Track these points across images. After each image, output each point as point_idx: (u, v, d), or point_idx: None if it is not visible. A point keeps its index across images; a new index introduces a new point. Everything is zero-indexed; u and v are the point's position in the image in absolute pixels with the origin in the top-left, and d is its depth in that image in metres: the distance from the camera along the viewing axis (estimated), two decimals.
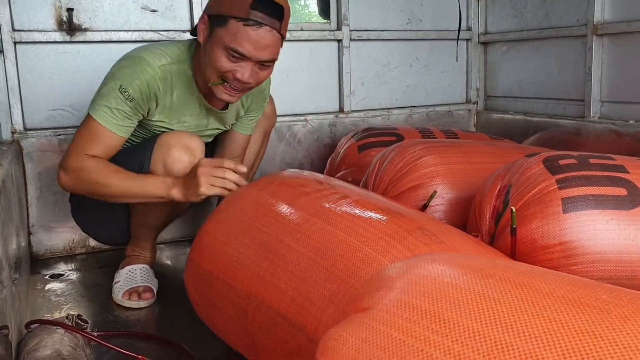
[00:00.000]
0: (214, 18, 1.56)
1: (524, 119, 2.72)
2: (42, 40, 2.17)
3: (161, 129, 1.72)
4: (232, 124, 1.92)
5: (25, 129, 2.17)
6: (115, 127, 1.59)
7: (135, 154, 1.66)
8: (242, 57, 1.55)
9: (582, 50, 2.42)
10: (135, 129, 1.68)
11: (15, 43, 2.13)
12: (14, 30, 2.13)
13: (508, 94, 2.90)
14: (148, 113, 1.66)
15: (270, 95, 2.04)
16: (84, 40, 2.22)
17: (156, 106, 1.66)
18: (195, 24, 1.75)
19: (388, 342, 0.60)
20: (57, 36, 2.19)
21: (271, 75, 1.82)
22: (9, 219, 1.46)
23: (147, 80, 1.60)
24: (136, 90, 1.58)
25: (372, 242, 1.11)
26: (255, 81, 1.62)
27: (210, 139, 1.92)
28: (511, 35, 2.81)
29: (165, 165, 1.63)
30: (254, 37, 1.52)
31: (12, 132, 2.14)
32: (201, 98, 1.74)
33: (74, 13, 2.20)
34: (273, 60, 1.62)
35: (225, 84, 1.61)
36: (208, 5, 1.62)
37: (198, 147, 1.65)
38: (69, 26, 2.19)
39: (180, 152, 1.63)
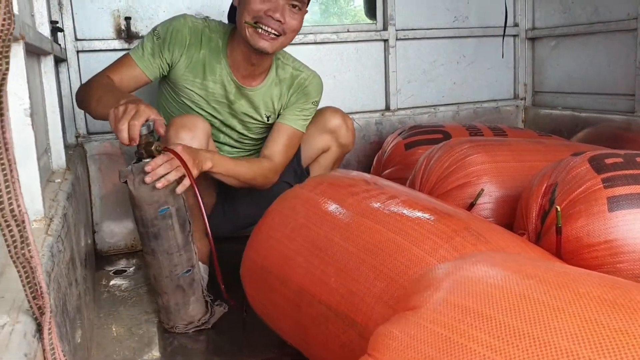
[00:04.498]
0: None
1: (572, 115, 2.70)
2: (102, 48, 2.30)
3: (189, 92, 1.83)
4: (269, 117, 1.96)
5: (88, 133, 2.31)
6: (138, 59, 1.76)
7: None
8: None
9: (632, 44, 2.39)
10: (168, 91, 1.85)
11: (77, 52, 2.26)
12: (76, 39, 2.26)
13: (556, 90, 2.88)
14: (173, 60, 1.79)
15: (353, 127, 2.09)
16: None
17: (181, 55, 1.79)
18: None
19: (435, 338, 0.65)
20: (116, 44, 2.31)
21: (321, 80, 1.89)
22: (79, 221, 1.57)
23: (176, 26, 1.78)
24: (164, 30, 1.78)
25: (419, 242, 1.16)
26: (288, 25, 1.72)
27: (247, 129, 1.97)
28: (559, 31, 2.79)
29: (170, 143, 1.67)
30: None
31: (77, 137, 2.27)
32: (229, 70, 1.84)
33: (132, 21, 2.32)
34: (302, 2, 1.72)
35: (259, 29, 1.70)
36: None
37: (200, 126, 1.69)
38: (127, 34, 2.31)
39: (181, 131, 1.66)
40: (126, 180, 1.43)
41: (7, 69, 0.63)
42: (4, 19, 0.62)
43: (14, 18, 0.64)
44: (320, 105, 2.05)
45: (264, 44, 1.73)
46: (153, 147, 1.42)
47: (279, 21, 1.70)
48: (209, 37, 1.82)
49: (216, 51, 1.83)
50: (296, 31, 1.78)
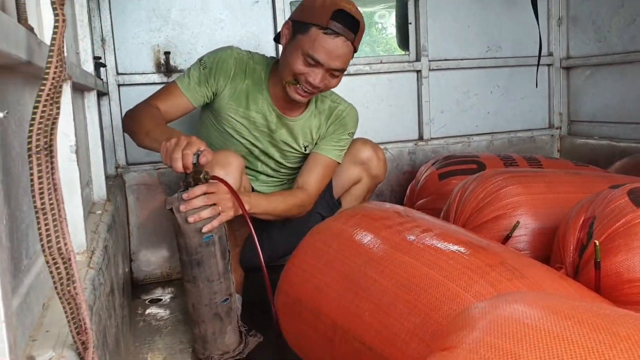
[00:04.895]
0: (297, 24, 1.74)
1: (609, 144, 2.66)
2: (142, 82, 2.37)
3: (232, 120, 1.88)
4: (306, 146, 1.99)
5: (128, 164, 2.37)
6: (184, 87, 1.82)
7: None
8: (317, 63, 1.71)
9: None
10: (210, 119, 1.91)
11: (119, 85, 2.34)
12: (118, 73, 2.34)
13: (592, 119, 2.84)
14: (218, 88, 1.85)
15: (384, 158, 2.11)
16: None
17: (226, 84, 1.85)
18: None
19: None
20: (156, 78, 2.38)
21: (357, 113, 1.93)
22: (118, 251, 1.61)
23: (222, 56, 1.85)
24: (211, 60, 1.84)
25: (454, 277, 1.15)
26: (325, 86, 1.79)
27: (285, 158, 1.99)
28: (595, 60, 2.77)
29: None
30: (330, 45, 1.69)
31: (116, 167, 2.34)
32: (270, 100, 1.89)
33: (171, 56, 2.39)
34: (343, 70, 1.78)
35: (298, 85, 1.77)
36: (293, 13, 1.80)
37: (234, 163, 1.70)
38: (167, 68, 2.38)
39: (215, 168, 1.66)
40: (172, 208, 1.46)
41: (58, 114, 0.67)
42: (56, 67, 0.65)
43: (65, 65, 0.68)
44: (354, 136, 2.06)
45: (299, 98, 1.81)
46: (201, 176, 1.46)
47: (317, 87, 1.76)
48: (252, 68, 1.88)
49: (259, 82, 1.88)
50: (335, 86, 1.83)
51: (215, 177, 1.50)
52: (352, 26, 1.70)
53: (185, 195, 1.44)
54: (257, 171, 2.02)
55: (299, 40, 1.71)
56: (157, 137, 1.56)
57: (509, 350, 0.67)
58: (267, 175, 2.04)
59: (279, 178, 2.06)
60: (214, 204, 1.46)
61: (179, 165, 1.41)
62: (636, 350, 0.60)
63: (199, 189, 1.45)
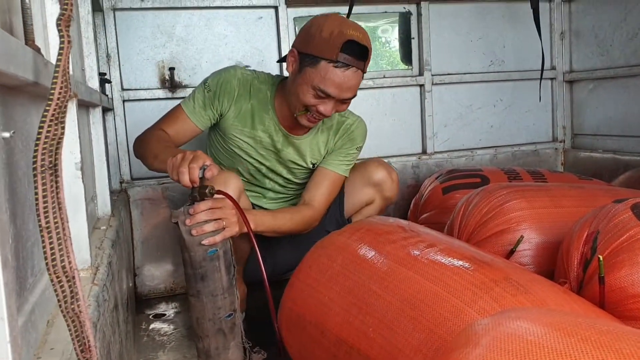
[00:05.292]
0: (304, 56, 1.70)
1: (613, 158, 2.66)
2: (147, 97, 2.39)
3: (237, 141, 1.88)
4: (314, 164, 1.98)
5: (132, 179, 2.38)
6: (190, 112, 1.83)
7: None
8: (328, 96, 1.70)
9: None
10: (217, 139, 1.92)
11: (124, 101, 2.36)
12: (122, 89, 2.36)
13: (596, 132, 2.85)
14: (223, 110, 1.85)
15: (397, 180, 2.09)
16: (184, 96, 2.39)
17: (230, 106, 1.84)
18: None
19: None
20: (160, 93, 2.40)
21: (366, 126, 1.99)
22: (122, 266, 1.61)
23: (226, 77, 1.85)
24: (214, 83, 1.84)
25: (458, 293, 1.15)
26: (335, 112, 1.80)
27: (292, 174, 1.99)
28: (598, 73, 2.78)
29: None
30: (340, 78, 1.68)
31: (121, 182, 2.35)
32: (276, 120, 1.89)
33: (175, 71, 2.41)
34: (353, 97, 1.77)
35: (308, 113, 1.77)
36: (298, 41, 1.76)
37: (232, 185, 1.69)
38: (171, 83, 2.40)
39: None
40: (177, 222, 1.47)
41: (63, 134, 0.68)
42: (61, 88, 0.66)
43: (70, 85, 0.69)
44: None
45: (311, 125, 1.82)
46: (207, 190, 1.46)
47: (328, 116, 1.77)
48: (257, 88, 1.87)
49: (264, 102, 1.88)
50: (345, 109, 1.84)
51: (221, 192, 1.50)
52: (361, 55, 1.69)
53: (191, 210, 1.45)
54: (266, 188, 2.01)
55: (308, 74, 1.69)
56: (165, 158, 1.57)
57: None
58: (275, 192, 2.03)
59: (287, 194, 2.06)
60: (219, 219, 1.47)
61: (185, 179, 1.42)
62: None
63: (205, 204, 1.45)
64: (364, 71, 1.73)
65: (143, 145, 1.76)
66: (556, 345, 0.68)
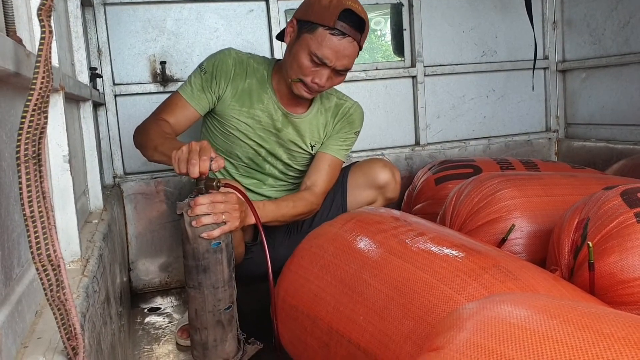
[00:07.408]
0: (303, 23, 1.73)
1: (606, 146, 2.67)
2: (139, 91, 2.38)
3: (236, 122, 1.88)
4: (313, 146, 1.99)
5: (125, 174, 2.38)
6: (189, 97, 1.82)
7: None
8: (323, 63, 1.72)
9: None
10: (213, 123, 1.91)
11: (115, 96, 2.35)
12: (114, 84, 2.36)
13: (589, 121, 2.85)
14: (220, 92, 1.85)
15: (400, 180, 2.09)
16: (175, 89, 2.41)
17: (227, 85, 1.84)
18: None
19: None
20: (152, 87, 2.40)
21: (363, 110, 2.02)
22: (114, 260, 1.61)
23: (221, 57, 1.85)
24: (210, 64, 1.84)
25: (448, 280, 1.16)
26: (330, 85, 1.80)
27: (292, 159, 1.99)
28: (590, 62, 2.78)
29: None
30: (336, 46, 1.70)
31: (114, 177, 2.35)
32: (275, 99, 1.89)
33: (167, 65, 2.41)
34: (349, 69, 1.78)
35: (303, 83, 1.77)
36: (298, 11, 1.79)
37: (233, 183, 1.68)
38: (162, 77, 2.40)
39: None
40: (182, 213, 1.47)
41: (46, 123, 0.68)
42: (43, 77, 0.66)
43: (52, 75, 0.69)
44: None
45: (306, 95, 1.81)
46: (214, 183, 1.46)
47: (323, 86, 1.77)
48: (254, 68, 1.89)
49: (262, 81, 1.89)
50: (340, 83, 1.84)
51: (229, 185, 1.50)
52: (358, 26, 1.71)
53: (192, 203, 1.45)
54: (265, 174, 2.00)
55: (306, 40, 1.71)
56: (166, 150, 1.57)
57: (495, 349, 0.67)
58: (275, 178, 2.02)
59: (287, 181, 2.05)
60: (223, 212, 1.46)
61: (196, 171, 1.38)
62: (619, 347, 0.61)
63: (208, 196, 1.45)
64: (360, 45, 1.75)
65: (143, 136, 1.74)
66: (538, 327, 0.68)
